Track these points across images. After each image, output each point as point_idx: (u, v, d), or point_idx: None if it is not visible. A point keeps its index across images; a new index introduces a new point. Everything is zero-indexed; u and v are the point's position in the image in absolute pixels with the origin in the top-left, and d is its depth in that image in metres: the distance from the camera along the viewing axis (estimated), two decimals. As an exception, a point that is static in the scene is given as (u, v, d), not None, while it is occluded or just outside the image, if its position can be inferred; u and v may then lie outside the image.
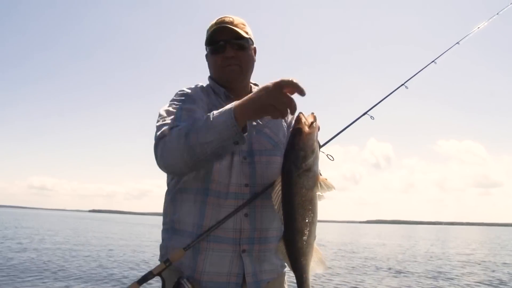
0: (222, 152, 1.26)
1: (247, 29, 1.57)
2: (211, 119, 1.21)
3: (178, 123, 1.34)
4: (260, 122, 1.57)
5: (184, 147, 1.24)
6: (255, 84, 1.67)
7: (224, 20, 1.54)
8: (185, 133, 1.24)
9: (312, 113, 1.20)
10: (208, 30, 1.58)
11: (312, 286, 1.26)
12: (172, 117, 1.39)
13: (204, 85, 1.63)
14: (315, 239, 1.22)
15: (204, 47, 1.63)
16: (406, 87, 1.79)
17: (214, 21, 1.57)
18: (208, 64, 1.62)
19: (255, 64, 1.63)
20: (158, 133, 1.34)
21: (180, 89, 1.55)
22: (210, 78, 1.64)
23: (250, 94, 1.20)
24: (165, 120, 1.38)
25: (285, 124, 1.64)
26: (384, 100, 1.73)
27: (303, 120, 1.17)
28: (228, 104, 1.35)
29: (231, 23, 1.53)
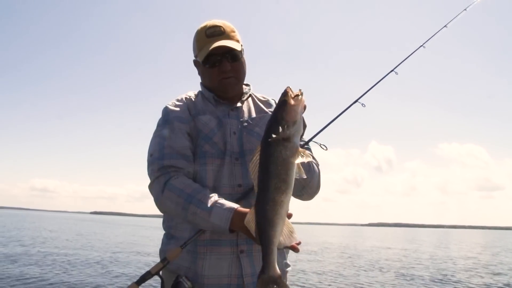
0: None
1: (237, 36, 1.59)
2: (210, 215, 1.34)
3: (166, 162, 1.46)
4: (251, 122, 1.60)
5: (180, 215, 1.41)
6: (246, 85, 1.70)
7: (215, 30, 1.54)
8: (183, 207, 1.38)
9: (300, 90, 1.19)
10: (198, 39, 1.57)
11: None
12: (158, 153, 1.49)
13: (194, 93, 1.67)
14: (287, 212, 1.17)
15: (191, 51, 1.63)
16: (396, 73, 1.79)
17: (203, 29, 1.56)
18: (201, 73, 1.65)
19: (249, 62, 1.65)
20: (150, 171, 1.49)
21: (165, 106, 1.60)
22: (201, 84, 1.68)
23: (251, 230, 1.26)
24: (152, 155, 1.50)
25: None
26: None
27: (290, 93, 1.16)
28: (219, 110, 1.57)
29: (223, 33, 1.54)
